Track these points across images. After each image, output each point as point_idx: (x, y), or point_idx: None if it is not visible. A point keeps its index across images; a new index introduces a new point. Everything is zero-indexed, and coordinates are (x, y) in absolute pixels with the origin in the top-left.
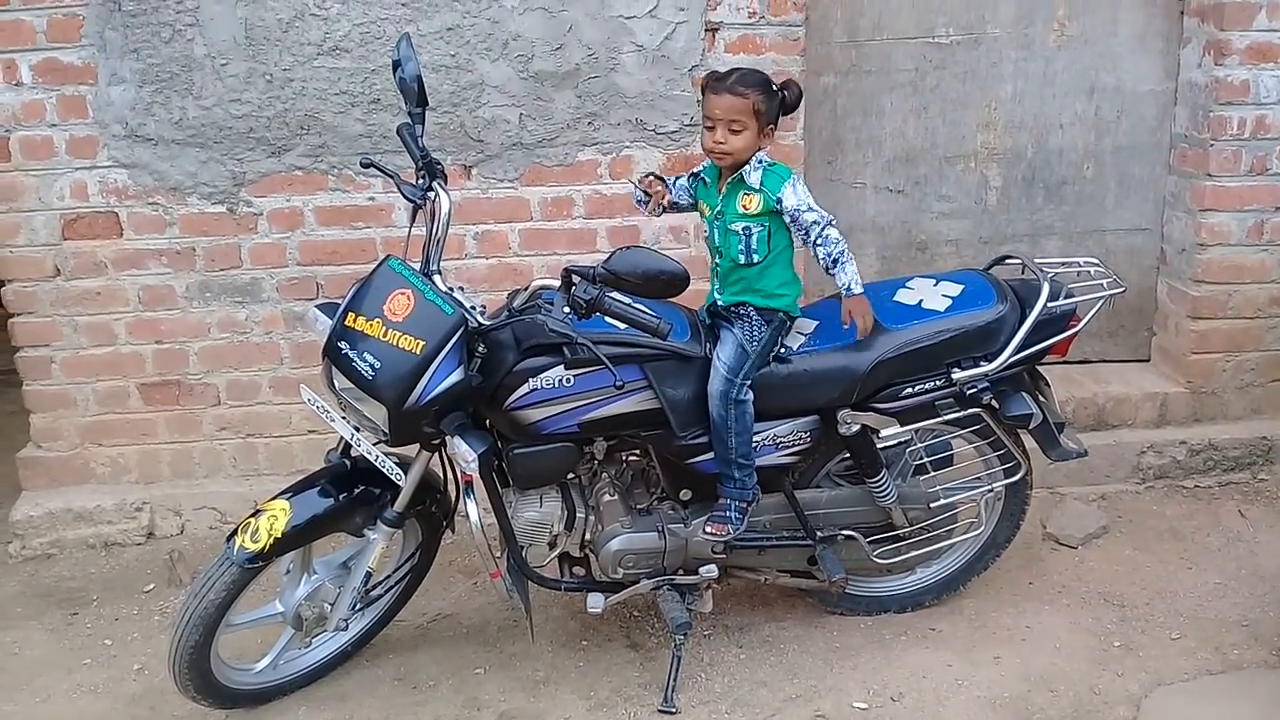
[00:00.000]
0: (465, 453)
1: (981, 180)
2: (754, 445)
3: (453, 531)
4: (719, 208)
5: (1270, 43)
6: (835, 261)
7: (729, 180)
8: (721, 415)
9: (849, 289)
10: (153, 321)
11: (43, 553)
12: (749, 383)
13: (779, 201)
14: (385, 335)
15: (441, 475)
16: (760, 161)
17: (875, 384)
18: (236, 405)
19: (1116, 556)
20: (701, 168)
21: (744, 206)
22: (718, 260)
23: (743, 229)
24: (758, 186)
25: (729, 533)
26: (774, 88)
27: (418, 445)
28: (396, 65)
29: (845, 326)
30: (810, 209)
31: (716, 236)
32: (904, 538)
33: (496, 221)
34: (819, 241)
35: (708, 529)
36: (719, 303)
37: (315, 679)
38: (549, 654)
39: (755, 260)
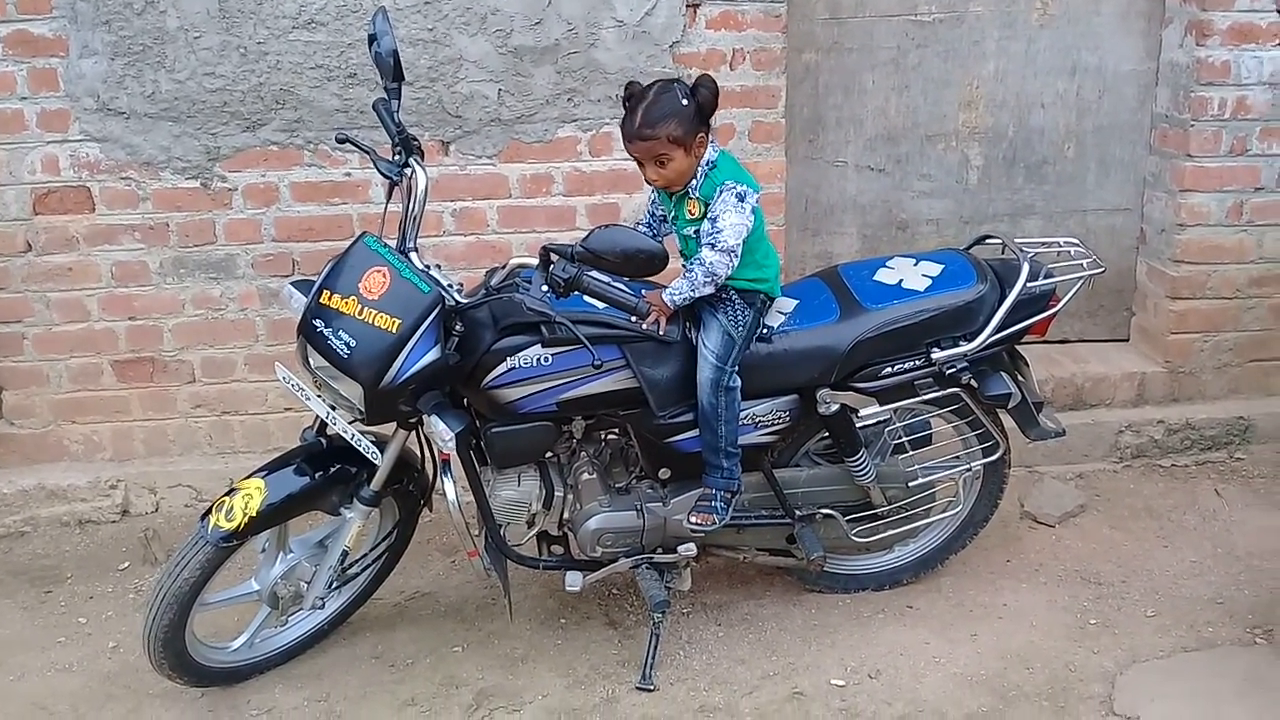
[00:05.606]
0: (442, 431)
1: (963, 159)
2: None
3: (430, 510)
4: (672, 213)
5: (1252, 23)
6: (690, 279)
7: (676, 191)
8: (712, 403)
9: (671, 295)
10: (126, 298)
11: (16, 530)
12: (737, 369)
13: (707, 205)
14: (361, 313)
15: (419, 454)
16: (706, 164)
17: (855, 363)
18: (211, 382)
19: (1093, 535)
20: None
21: (690, 213)
22: (684, 261)
23: (694, 233)
24: (697, 195)
25: (715, 523)
26: (684, 102)
27: (395, 423)
28: (372, 39)
29: (649, 316)
30: (726, 226)
31: (678, 240)
32: (882, 516)
33: (475, 198)
34: (703, 257)
35: (693, 519)
36: None
37: (291, 657)
38: (527, 632)
39: None
